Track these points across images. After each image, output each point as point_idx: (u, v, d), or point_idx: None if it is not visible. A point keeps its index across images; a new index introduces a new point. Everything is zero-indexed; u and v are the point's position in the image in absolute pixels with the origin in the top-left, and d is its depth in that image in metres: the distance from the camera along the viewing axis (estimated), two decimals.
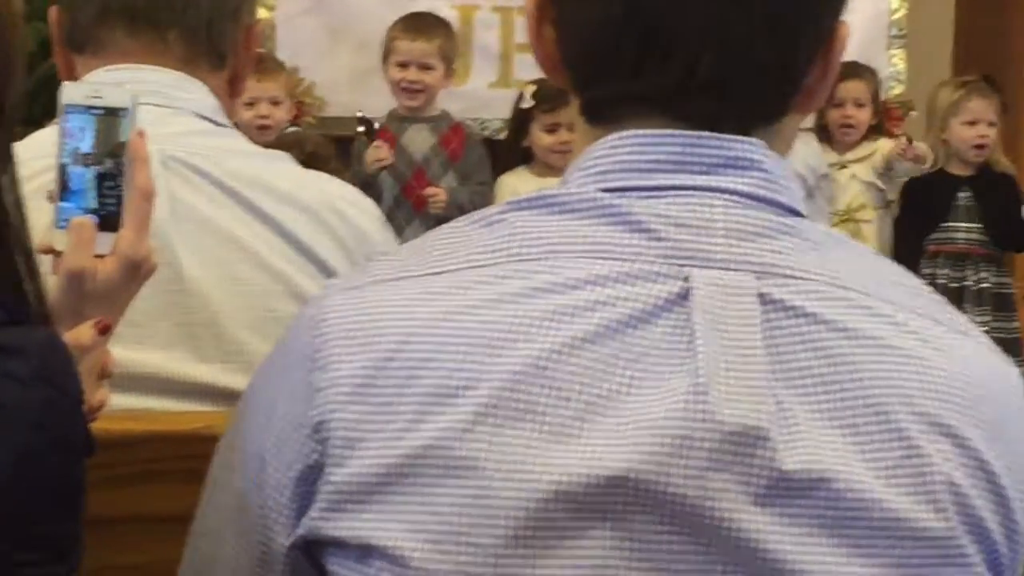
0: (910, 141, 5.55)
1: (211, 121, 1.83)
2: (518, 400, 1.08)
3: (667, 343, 1.10)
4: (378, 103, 5.44)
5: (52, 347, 1.13)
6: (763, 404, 1.07)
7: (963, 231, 5.51)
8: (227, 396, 1.63)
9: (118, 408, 1.54)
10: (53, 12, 1.86)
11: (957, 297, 5.42)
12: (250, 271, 1.73)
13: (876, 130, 5.78)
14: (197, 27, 1.83)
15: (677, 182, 1.15)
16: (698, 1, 1.15)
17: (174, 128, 1.77)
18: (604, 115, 1.20)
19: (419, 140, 5.35)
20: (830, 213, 5.57)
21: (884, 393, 1.10)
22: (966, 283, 5.48)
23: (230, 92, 1.91)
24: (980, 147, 5.53)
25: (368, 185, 5.00)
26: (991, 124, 5.54)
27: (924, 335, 1.15)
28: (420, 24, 5.35)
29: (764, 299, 1.12)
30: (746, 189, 1.16)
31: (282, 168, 1.84)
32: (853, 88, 5.65)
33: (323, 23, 6.01)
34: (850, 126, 5.66)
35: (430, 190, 5.25)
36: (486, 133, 5.89)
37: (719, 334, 1.09)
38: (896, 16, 6.47)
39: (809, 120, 5.62)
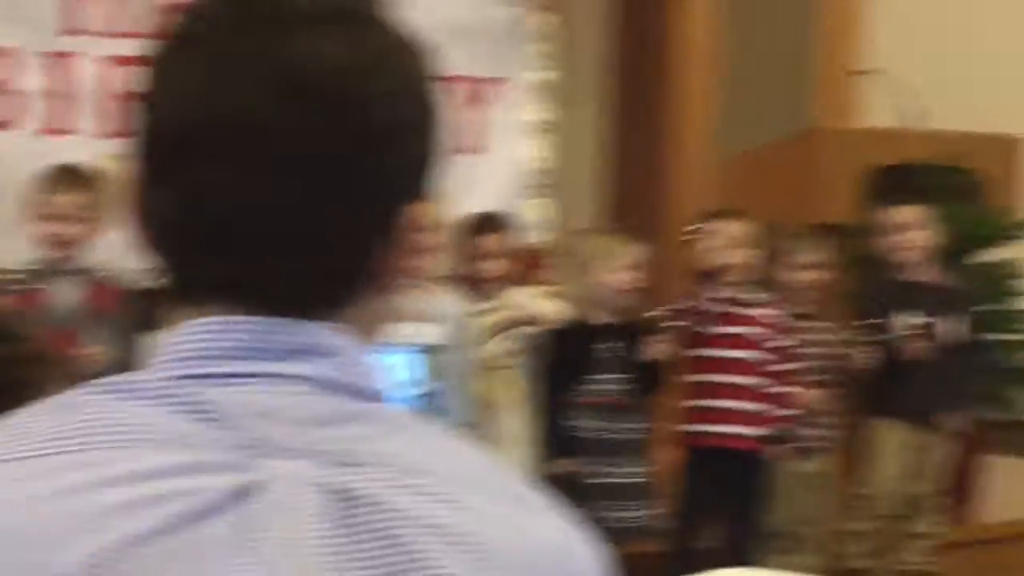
0: None
1: None
2: None
3: (231, 538, 1.08)
4: (21, 254, 5.30)
5: None
6: None
7: (608, 382, 5.60)
8: None
9: None
10: None
11: (610, 449, 5.52)
12: None
13: (515, 277, 5.84)
14: None
15: (253, 369, 1.15)
16: (256, 202, 1.15)
17: None
18: (183, 298, 1.20)
19: (65, 294, 5.23)
20: (470, 361, 5.60)
21: None
22: (614, 435, 5.57)
23: None
24: (627, 291, 5.64)
25: None
26: (638, 271, 5.66)
27: (498, 518, 1.15)
28: (68, 177, 5.24)
29: (331, 488, 1.11)
30: (321, 375, 1.16)
31: None
32: (491, 241, 5.70)
33: None
34: (488, 280, 5.71)
35: (80, 350, 5.11)
36: (135, 282, 5.79)
37: (283, 527, 1.08)
38: (537, 165, 6.60)
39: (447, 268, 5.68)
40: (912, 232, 6.03)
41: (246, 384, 1.15)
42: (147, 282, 5.75)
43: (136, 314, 5.30)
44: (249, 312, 1.17)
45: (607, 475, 5.52)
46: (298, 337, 1.17)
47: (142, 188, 1.20)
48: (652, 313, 5.72)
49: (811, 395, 5.90)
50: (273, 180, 1.15)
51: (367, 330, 1.22)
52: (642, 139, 6.94)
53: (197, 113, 1.15)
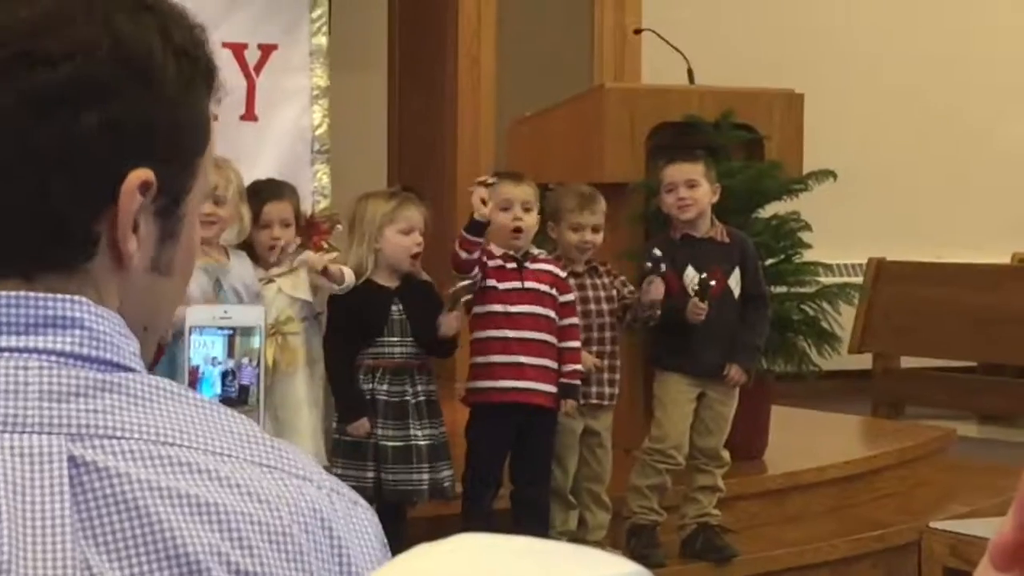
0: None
1: None
2: None
3: None
4: None
5: None
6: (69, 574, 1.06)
7: (398, 345, 5.59)
8: None
9: None
10: None
11: (401, 411, 5.51)
12: None
13: (302, 244, 5.81)
14: None
15: None
16: None
17: None
18: None
19: None
20: (262, 328, 5.54)
21: (198, 551, 1.10)
22: (406, 397, 5.56)
23: None
24: (414, 255, 5.64)
25: None
26: (423, 234, 5.65)
27: (249, 486, 1.15)
28: None
29: (76, 462, 1.10)
30: (66, 348, 1.14)
31: None
32: (277, 209, 5.65)
33: None
34: (273, 247, 5.66)
35: None
36: None
37: (25, 505, 1.07)
38: (319, 132, 6.57)
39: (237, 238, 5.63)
40: (691, 189, 6.07)
41: None
42: None
43: None
44: None
45: (399, 437, 5.51)
46: (42, 310, 1.14)
47: None
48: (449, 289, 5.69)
49: (591, 356, 5.93)
50: None
51: (138, 308, 1.20)
52: (425, 104, 6.93)
53: None
